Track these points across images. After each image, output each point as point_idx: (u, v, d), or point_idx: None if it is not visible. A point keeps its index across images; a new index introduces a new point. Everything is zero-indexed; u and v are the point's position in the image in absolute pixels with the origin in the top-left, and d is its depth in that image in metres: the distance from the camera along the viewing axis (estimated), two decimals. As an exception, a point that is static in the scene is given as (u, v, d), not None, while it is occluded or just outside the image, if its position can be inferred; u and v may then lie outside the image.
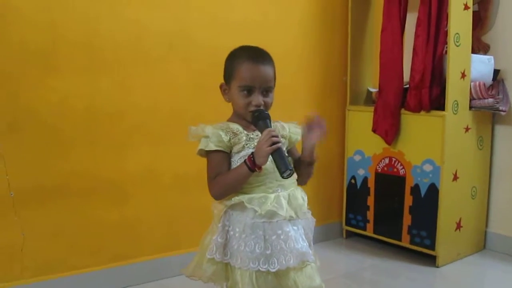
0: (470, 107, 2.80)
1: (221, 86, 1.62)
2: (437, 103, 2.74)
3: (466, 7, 2.69)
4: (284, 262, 1.48)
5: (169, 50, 2.52)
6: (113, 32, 2.35)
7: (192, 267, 1.59)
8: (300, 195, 1.59)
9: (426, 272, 2.73)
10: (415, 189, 2.82)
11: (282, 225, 1.50)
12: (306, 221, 1.59)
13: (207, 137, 1.52)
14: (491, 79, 2.87)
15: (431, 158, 2.74)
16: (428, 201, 2.76)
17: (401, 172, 2.89)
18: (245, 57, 1.55)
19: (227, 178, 1.51)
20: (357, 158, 3.13)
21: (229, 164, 1.55)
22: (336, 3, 3.14)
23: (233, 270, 1.51)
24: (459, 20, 2.66)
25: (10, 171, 2.14)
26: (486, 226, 3.07)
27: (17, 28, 2.12)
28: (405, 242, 2.89)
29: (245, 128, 1.57)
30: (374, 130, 2.97)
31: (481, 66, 2.81)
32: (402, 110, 2.87)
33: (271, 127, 1.49)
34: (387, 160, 2.96)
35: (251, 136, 1.56)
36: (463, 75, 2.72)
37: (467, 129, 2.80)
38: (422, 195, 2.79)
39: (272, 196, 1.52)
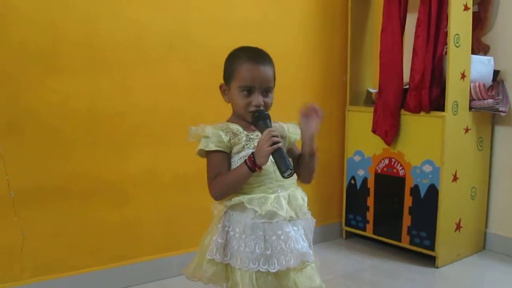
0: (470, 108, 2.81)
1: (220, 87, 1.62)
2: (437, 103, 2.74)
3: (466, 8, 2.69)
4: (284, 262, 1.47)
5: (169, 50, 2.52)
6: (113, 32, 2.35)
7: (192, 268, 1.59)
8: (300, 196, 1.59)
9: (425, 272, 2.73)
10: (415, 189, 2.82)
11: (282, 225, 1.50)
12: (306, 222, 1.59)
13: (207, 137, 1.52)
14: (491, 80, 2.87)
15: (430, 159, 2.74)
16: (427, 202, 2.76)
17: (401, 172, 2.89)
18: (245, 57, 1.55)
19: (227, 178, 1.51)
20: (357, 158, 3.14)
21: (229, 164, 1.54)
22: (336, 3, 3.15)
23: (233, 271, 1.51)
24: (459, 21, 2.67)
25: (10, 171, 2.14)
26: (486, 226, 3.07)
27: (17, 28, 2.12)
28: (404, 242, 2.90)
29: (245, 128, 1.57)
30: (374, 131, 2.97)
31: (481, 67, 2.81)
32: (402, 111, 2.87)
33: (271, 127, 1.49)
34: (386, 161, 2.96)
35: (251, 136, 1.56)
36: (463, 76, 2.72)
37: (467, 130, 2.80)
38: (422, 196, 2.79)
39: (272, 196, 1.52)
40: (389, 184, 2.96)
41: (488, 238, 3.06)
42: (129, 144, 2.44)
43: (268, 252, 1.49)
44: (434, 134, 2.71)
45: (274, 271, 1.48)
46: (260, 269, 1.48)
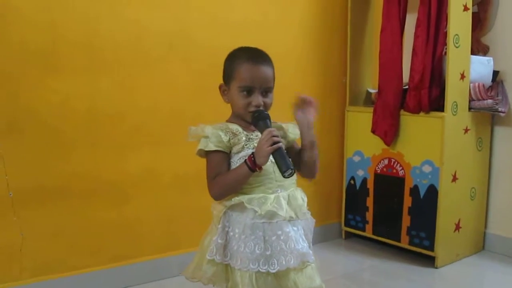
0: (470, 108, 2.81)
1: (220, 87, 1.62)
2: (437, 104, 2.74)
3: (465, 8, 2.69)
4: (284, 262, 1.47)
5: (169, 50, 2.52)
6: (113, 32, 2.35)
7: (192, 269, 1.59)
8: (300, 196, 1.59)
9: (425, 273, 2.73)
10: (414, 190, 2.82)
11: (282, 225, 1.50)
12: (306, 222, 1.59)
13: (206, 137, 1.52)
14: (491, 80, 2.87)
15: (430, 159, 2.74)
16: (427, 202, 2.76)
17: (401, 173, 2.89)
18: (244, 57, 1.55)
19: (227, 178, 1.51)
20: (356, 159, 3.14)
21: (229, 164, 1.54)
22: (336, 4, 3.15)
23: (233, 271, 1.51)
24: (459, 21, 2.67)
25: (10, 171, 2.14)
26: (485, 227, 3.07)
27: (17, 28, 2.12)
28: (404, 243, 2.90)
29: (244, 128, 1.57)
30: (373, 131, 2.98)
31: (480, 67, 2.82)
32: (402, 111, 2.87)
33: (271, 127, 1.50)
34: (386, 161, 2.97)
35: (251, 136, 1.56)
36: (463, 76, 2.72)
37: (466, 130, 2.80)
38: (421, 196, 2.79)
39: (272, 196, 1.52)
40: (389, 184, 2.96)
41: (488, 238, 3.06)
42: (129, 144, 2.44)
43: (268, 253, 1.49)
44: (434, 134, 2.71)
45: (274, 271, 1.48)
46: (260, 269, 1.48)
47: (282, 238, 1.49)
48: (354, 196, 3.18)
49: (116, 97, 2.39)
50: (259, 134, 1.52)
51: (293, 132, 1.66)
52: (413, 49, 2.79)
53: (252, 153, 1.47)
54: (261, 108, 1.53)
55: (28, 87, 2.17)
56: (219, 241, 1.52)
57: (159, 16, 2.47)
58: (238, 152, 1.53)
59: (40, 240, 2.25)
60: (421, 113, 2.78)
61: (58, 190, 2.27)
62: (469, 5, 2.71)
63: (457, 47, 2.67)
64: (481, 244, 3.06)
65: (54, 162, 2.26)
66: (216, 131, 1.53)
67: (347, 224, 3.25)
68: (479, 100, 2.79)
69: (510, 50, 2.92)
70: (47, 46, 2.19)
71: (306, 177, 1.63)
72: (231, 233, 1.52)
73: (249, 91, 1.53)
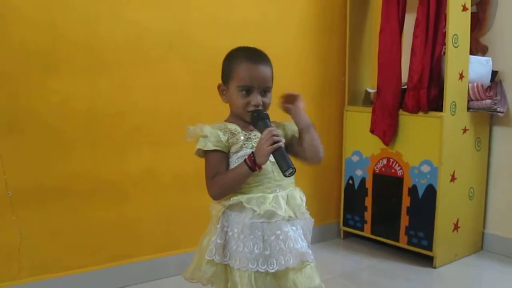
0: (468, 108, 2.81)
1: (219, 87, 1.62)
2: (435, 104, 2.75)
3: (464, 8, 2.70)
4: (283, 262, 1.48)
5: (169, 50, 2.52)
6: (113, 33, 2.35)
7: (191, 270, 1.59)
8: (299, 195, 1.59)
9: (423, 272, 2.74)
10: (413, 190, 2.83)
11: (281, 225, 1.50)
12: (305, 221, 1.59)
13: (205, 136, 1.52)
14: (489, 80, 2.88)
15: (429, 159, 2.75)
16: (425, 202, 2.77)
17: (399, 173, 2.90)
18: (243, 57, 1.56)
19: (226, 177, 1.51)
20: (355, 158, 3.14)
21: (227, 164, 1.55)
22: (335, 4, 3.15)
23: (232, 271, 1.51)
24: (458, 21, 2.67)
25: (9, 170, 2.15)
26: (484, 227, 3.08)
27: (17, 28, 2.12)
28: (402, 243, 2.90)
29: (243, 128, 1.57)
30: (372, 131, 2.98)
31: (479, 68, 2.82)
32: (400, 111, 2.87)
33: (270, 126, 1.50)
34: (385, 161, 2.97)
35: (249, 136, 1.56)
36: (461, 76, 2.73)
37: (465, 130, 2.81)
38: (420, 196, 2.80)
39: (271, 196, 1.52)
40: (387, 184, 2.96)
41: (486, 238, 3.07)
42: (129, 144, 2.45)
43: (267, 252, 1.49)
44: (432, 134, 2.72)
45: (272, 271, 1.48)
46: (259, 269, 1.48)
47: (281, 237, 1.49)
48: (353, 196, 3.18)
49: (116, 97, 2.39)
50: (257, 133, 1.52)
51: (292, 128, 1.66)
52: (412, 49, 2.79)
53: (252, 152, 1.47)
54: (260, 107, 1.53)
55: (28, 87, 2.17)
56: (218, 241, 1.52)
57: (159, 16, 2.48)
58: (237, 152, 1.53)
59: (38, 239, 2.25)
60: (420, 113, 2.78)
61: (57, 190, 2.27)
62: (468, 5, 2.71)
63: (456, 47, 2.67)
64: (479, 244, 3.07)
65: (54, 162, 2.26)
66: (214, 130, 1.53)
67: (345, 224, 3.26)
68: (477, 100, 2.79)
69: (509, 50, 2.93)
70: (47, 46, 2.20)
71: (312, 161, 1.61)
72: (230, 233, 1.52)
73: (248, 90, 1.54)
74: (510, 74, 2.92)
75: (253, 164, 1.45)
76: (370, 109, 3.00)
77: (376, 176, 3.03)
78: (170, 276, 2.57)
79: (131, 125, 2.44)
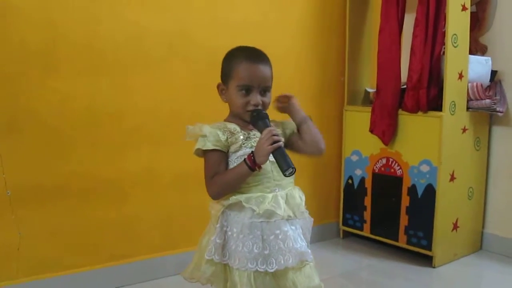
0: (468, 108, 2.82)
1: (218, 86, 1.62)
2: (435, 103, 2.75)
3: (464, 8, 2.70)
4: (282, 262, 1.48)
5: (169, 50, 2.53)
6: (113, 33, 2.36)
7: (191, 269, 1.59)
8: (298, 195, 1.59)
9: (422, 272, 2.74)
10: (412, 189, 2.83)
11: (280, 224, 1.50)
12: (304, 221, 1.60)
13: (204, 136, 1.52)
14: (489, 80, 2.88)
15: (428, 159, 2.75)
16: (425, 202, 2.77)
17: (398, 172, 2.90)
18: (243, 56, 1.56)
19: (225, 177, 1.51)
20: (354, 158, 3.14)
21: (227, 163, 1.55)
22: (334, 4, 3.15)
23: (232, 271, 1.51)
24: (457, 21, 2.67)
25: (8, 170, 2.15)
26: (483, 226, 3.08)
27: (17, 28, 2.12)
28: (402, 242, 2.90)
29: (242, 127, 1.57)
30: (371, 131, 2.98)
31: (478, 67, 2.82)
32: (400, 111, 2.88)
33: (270, 126, 1.50)
34: (384, 161, 2.97)
35: (248, 135, 1.56)
36: (461, 76, 2.73)
37: (464, 130, 2.81)
38: (419, 196, 2.80)
39: (270, 195, 1.52)
40: (387, 183, 2.97)
41: (485, 238, 3.07)
42: (129, 144, 2.45)
43: (266, 252, 1.49)
44: (432, 134, 2.72)
45: (272, 271, 1.48)
46: (258, 269, 1.48)
47: (280, 237, 1.49)
48: (352, 195, 3.18)
49: (116, 97, 2.39)
50: (257, 133, 1.52)
51: (291, 126, 1.66)
52: (412, 49, 2.79)
53: (252, 152, 1.47)
54: (260, 107, 1.54)
55: (28, 87, 2.17)
56: (218, 240, 1.52)
57: (159, 16, 2.48)
58: (236, 151, 1.53)
59: (38, 239, 2.25)
60: (419, 113, 2.78)
61: (57, 189, 2.28)
62: (468, 5, 2.71)
63: (455, 47, 2.67)
64: (478, 244, 3.07)
65: (53, 161, 2.26)
66: (213, 130, 1.53)
67: (345, 223, 3.26)
68: (477, 99, 2.79)
69: (508, 50, 2.93)
70: (47, 46, 2.20)
71: (314, 153, 1.62)
72: (229, 233, 1.52)
73: (247, 90, 1.54)
74: (510, 73, 2.92)
75: (252, 163, 1.45)
76: (369, 109, 3.01)
77: (376, 176, 3.03)
78: (169, 275, 2.57)
79: (131, 125, 2.45)
